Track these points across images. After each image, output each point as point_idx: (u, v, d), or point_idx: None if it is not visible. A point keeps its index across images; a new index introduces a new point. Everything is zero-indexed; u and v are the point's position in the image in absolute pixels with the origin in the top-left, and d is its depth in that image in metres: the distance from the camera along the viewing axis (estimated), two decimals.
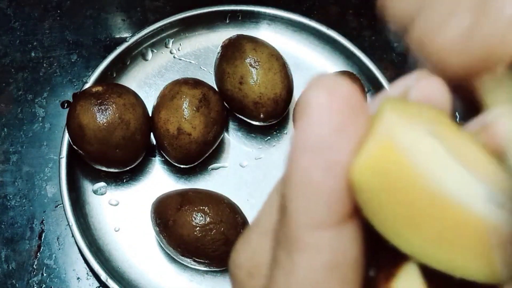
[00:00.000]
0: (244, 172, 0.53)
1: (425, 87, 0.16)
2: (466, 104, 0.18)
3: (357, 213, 0.15)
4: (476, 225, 0.14)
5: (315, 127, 0.14)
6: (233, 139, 0.54)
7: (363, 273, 0.15)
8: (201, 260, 0.46)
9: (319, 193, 0.14)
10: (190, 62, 0.57)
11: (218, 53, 0.53)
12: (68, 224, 0.48)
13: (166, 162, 0.52)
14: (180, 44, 0.58)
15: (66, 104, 0.56)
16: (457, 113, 0.18)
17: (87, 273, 0.50)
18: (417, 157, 0.14)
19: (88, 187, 0.52)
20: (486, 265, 0.14)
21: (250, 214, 0.48)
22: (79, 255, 0.50)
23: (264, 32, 0.57)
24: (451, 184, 0.14)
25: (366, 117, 0.15)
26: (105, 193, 0.52)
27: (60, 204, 0.51)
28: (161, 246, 0.49)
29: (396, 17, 0.20)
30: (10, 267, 0.50)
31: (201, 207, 0.45)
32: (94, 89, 0.48)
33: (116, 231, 0.50)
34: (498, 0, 0.17)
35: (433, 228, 0.14)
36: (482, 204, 0.14)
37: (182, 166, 0.51)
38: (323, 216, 0.14)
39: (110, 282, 0.46)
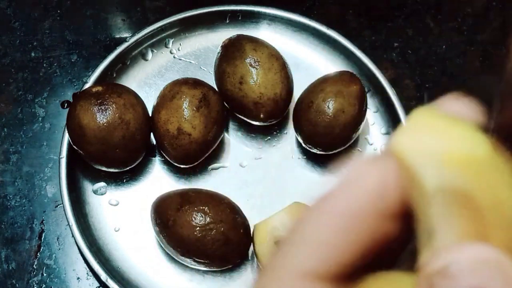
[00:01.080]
0: (244, 172, 0.53)
1: (456, 106, 0.17)
2: None
3: (353, 277, 0.16)
4: None
5: (356, 201, 0.15)
6: (233, 139, 0.54)
7: None
8: (201, 260, 0.46)
9: (327, 248, 0.15)
10: (190, 62, 0.57)
11: (218, 53, 0.53)
12: (68, 224, 0.48)
13: (166, 162, 0.52)
14: (180, 44, 0.58)
15: (66, 104, 0.56)
16: None
17: (87, 273, 0.50)
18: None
19: (88, 187, 0.52)
20: None
21: (250, 214, 0.48)
22: (79, 255, 0.50)
23: (264, 32, 0.57)
24: None
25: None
26: (105, 193, 0.52)
27: (60, 204, 0.51)
28: (161, 246, 0.49)
29: None
30: (10, 267, 0.50)
31: (201, 207, 0.45)
32: (94, 89, 0.48)
33: (116, 231, 0.50)
34: None
35: None
36: None
37: (182, 166, 0.51)
38: (321, 269, 0.15)
39: (110, 282, 0.46)
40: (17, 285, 0.49)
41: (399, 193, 0.15)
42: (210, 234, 0.45)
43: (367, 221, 0.15)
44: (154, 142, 0.52)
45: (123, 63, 0.56)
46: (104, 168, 0.49)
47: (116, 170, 0.50)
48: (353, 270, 0.16)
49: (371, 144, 0.54)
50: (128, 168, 0.50)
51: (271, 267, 0.16)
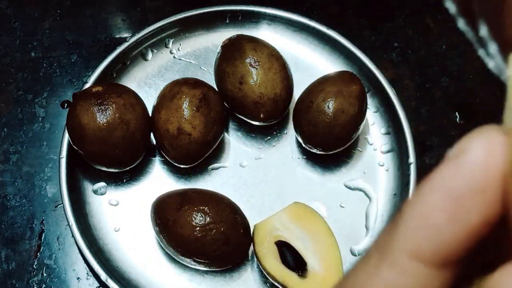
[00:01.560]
0: (244, 172, 0.53)
1: None
2: None
3: (455, 265, 0.15)
4: None
5: (461, 178, 0.15)
6: (233, 139, 0.54)
7: None
8: (201, 260, 0.46)
9: (434, 234, 0.15)
10: (190, 62, 0.57)
11: (218, 53, 0.53)
12: (68, 224, 0.48)
13: (166, 162, 0.52)
14: (180, 44, 0.58)
15: (66, 104, 0.56)
16: None
17: (87, 273, 0.50)
18: None
19: (88, 187, 0.52)
20: None
21: (250, 214, 0.48)
22: (79, 255, 0.50)
23: (264, 32, 0.57)
24: None
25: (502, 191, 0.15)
26: (105, 193, 0.52)
27: (60, 204, 0.51)
28: (161, 246, 0.49)
29: None
30: (10, 267, 0.50)
31: (201, 207, 0.45)
32: (94, 89, 0.48)
33: (116, 231, 0.50)
34: None
35: None
36: None
37: (182, 166, 0.51)
38: (426, 254, 0.15)
39: (110, 282, 0.46)
40: (17, 285, 0.49)
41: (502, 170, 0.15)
42: (210, 234, 0.45)
43: (475, 198, 0.15)
44: (154, 142, 0.52)
45: (123, 63, 0.56)
46: (104, 168, 0.50)
47: (116, 170, 0.50)
48: (461, 257, 0.15)
49: (371, 144, 0.54)
50: (128, 168, 0.50)
51: (377, 246, 0.16)
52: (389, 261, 0.16)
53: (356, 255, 0.50)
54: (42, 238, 0.51)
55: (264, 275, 0.48)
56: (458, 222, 0.15)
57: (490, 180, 0.15)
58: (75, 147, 0.48)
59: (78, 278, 0.50)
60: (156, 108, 0.50)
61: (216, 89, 0.52)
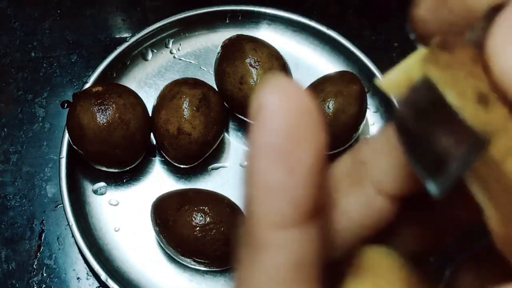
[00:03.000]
0: (244, 172, 0.53)
1: None
2: None
3: (319, 213, 0.15)
4: None
5: (270, 132, 0.14)
6: (233, 139, 0.54)
7: (322, 273, 0.16)
8: (201, 260, 0.46)
9: (281, 194, 0.14)
10: (190, 62, 0.57)
11: (218, 53, 0.53)
12: (68, 224, 0.48)
13: (166, 162, 0.52)
14: (180, 44, 0.58)
15: (66, 104, 0.56)
16: None
17: (87, 273, 0.50)
18: None
19: (88, 187, 0.52)
20: None
21: None
22: (79, 255, 0.50)
23: (264, 32, 0.57)
24: None
25: (318, 121, 0.15)
26: (105, 193, 0.52)
27: (60, 204, 0.51)
28: (161, 246, 0.49)
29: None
30: (10, 267, 0.50)
31: (201, 207, 0.45)
32: (94, 89, 0.48)
33: (116, 231, 0.50)
34: None
35: None
36: None
37: (182, 166, 0.51)
38: (286, 216, 0.14)
39: (110, 282, 0.46)
40: (17, 285, 0.49)
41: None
42: (210, 234, 0.45)
43: (294, 142, 0.14)
44: (154, 142, 0.52)
45: (123, 63, 0.56)
46: (104, 168, 0.50)
47: (116, 170, 0.50)
48: (320, 203, 0.15)
49: None
50: (128, 168, 0.50)
51: (245, 241, 0.16)
52: (260, 248, 0.15)
53: None
54: (42, 238, 0.51)
55: None
56: (294, 171, 0.14)
57: (298, 119, 0.14)
58: (75, 147, 0.48)
59: (78, 278, 0.50)
60: (156, 108, 0.50)
61: (216, 89, 0.52)
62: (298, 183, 0.14)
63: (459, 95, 0.13)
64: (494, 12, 0.14)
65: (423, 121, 0.14)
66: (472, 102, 0.13)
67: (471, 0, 0.16)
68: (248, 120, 0.50)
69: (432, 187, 0.14)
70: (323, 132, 0.15)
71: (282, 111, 0.14)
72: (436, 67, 0.14)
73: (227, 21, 0.58)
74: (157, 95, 0.51)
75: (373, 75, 0.54)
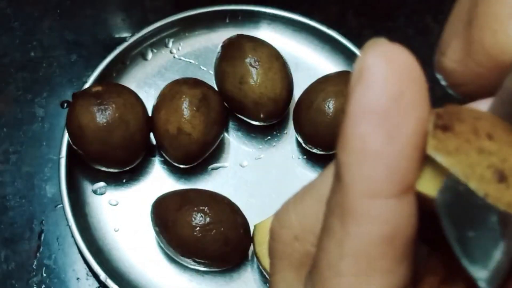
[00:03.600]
0: (244, 172, 0.53)
1: None
2: None
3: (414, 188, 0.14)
4: None
5: (374, 94, 0.14)
6: (233, 139, 0.54)
7: (415, 253, 0.15)
8: (201, 260, 0.46)
9: (379, 161, 0.14)
10: (190, 62, 0.57)
11: (218, 53, 0.52)
12: (68, 224, 0.48)
13: (166, 162, 0.52)
14: (180, 44, 0.58)
15: (65, 104, 0.56)
16: None
17: (86, 273, 0.49)
18: None
19: (88, 187, 0.52)
20: None
21: (250, 214, 0.48)
22: (79, 255, 0.50)
23: (264, 32, 0.57)
24: None
25: (424, 90, 0.14)
26: (105, 193, 0.52)
27: (60, 204, 0.51)
28: (161, 246, 0.49)
29: None
30: (10, 267, 0.49)
31: (201, 207, 0.45)
32: (94, 89, 0.48)
33: (116, 231, 0.50)
34: (482, 6, 0.17)
35: None
36: None
37: (182, 166, 0.51)
38: (382, 185, 0.14)
39: (110, 282, 0.46)
40: (16, 285, 0.49)
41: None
42: (210, 234, 0.45)
43: (397, 109, 0.14)
44: (154, 142, 0.52)
45: (123, 63, 0.56)
46: (104, 168, 0.49)
47: (116, 170, 0.50)
48: (415, 175, 0.14)
49: None
50: (128, 168, 0.50)
51: (332, 213, 0.15)
52: (352, 217, 0.14)
53: None
54: (42, 238, 0.51)
55: (264, 275, 0.48)
56: (395, 139, 0.14)
57: (405, 85, 0.14)
58: (74, 147, 0.48)
59: (77, 278, 0.49)
60: (156, 108, 0.50)
61: (216, 89, 0.52)
62: (398, 152, 0.14)
63: (479, 181, 0.13)
64: None
65: (462, 219, 0.14)
66: (493, 183, 0.13)
67: (495, 51, 0.16)
68: (248, 120, 0.50)
69: (479, 275, 0.13)
70: (427, 103, 0.14)
71: (389, 74, 0.14)
72: (448, 156, 0.14)
73: (227, 21, 0.58)
74: (157, 95, 0.51)
75: None
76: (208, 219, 0.45)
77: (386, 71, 0.14)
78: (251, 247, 0.48)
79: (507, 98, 0.16)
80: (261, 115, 0.50)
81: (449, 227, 0.14)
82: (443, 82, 0.19)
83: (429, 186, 0.14)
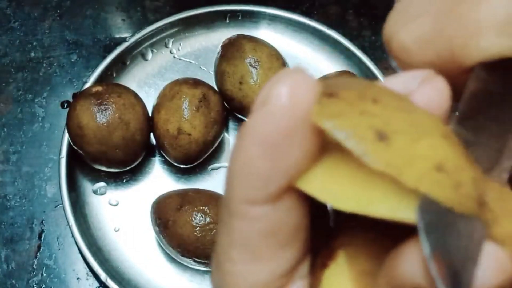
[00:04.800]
0: None
1: (429, 92, 0.17)
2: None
3: (294, 189, 0.16)
4: None
5: (270, 126, 0.15)
6: (233, 139, 0.54)
7: (307, 236, 0.17)
8: (201, 260, 0.46)
9: (259, 178, 0.15)
10: (190, 62, 0.57)
11: (218, 53, 0.53)
12: (68, 224, 0.48)
13: (166, 162, 0.52)
14: (180, 44, 0.58)
15: (66, 104, 0.56)
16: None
17: (87, 273, 0.49)
18: None
19: (88, 187, 0.52)
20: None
21: None
22: (79, 255, 0.50)
23: (264, 32, 0.57)
24: None
25: (313, 129, 0.15)
26: (105, 193, 0.52)
27: (60, 204, 0.51)
28: (161, 246, 0.49)
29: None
30: (10, 267, 0.49)
31: (201, 207, 0.45)
32: (94, 89, 0.48)
33: (116, 231, 0.50)
34: (467, 4, 0.17)
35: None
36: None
37: (182, 166, 0.51)
38: (258, 195, 0.16)
39: (110, 282, 0.46)
40: (17, 285, 0.49)
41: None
42: (210, 234, 0.45)
43: (287, 142, 0.15)
44: (154, 142, 0.52)
45: (123, 63, 0.56)
46: (104, 168, 0.49)
47: (116, 170, 0.50)
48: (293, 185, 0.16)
49: None
50: (128, 168, 0.50)
51: (224, 203, 0.17)
52: (235, 217, 0.16)
53: None
54: (42, 238, 0.51)
55: None
56: (278, 166, 0.15)
57: (298, 122, 0.15)
58: (75, 147, 0.48)
59: (78, 278, 0.50)
60: (156, 108, 0.50)
61: (216, 89, 0.52)
62: (277, 174, 0.15)
63: (359, 141, 0.14)
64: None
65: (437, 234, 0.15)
66: (373, 143, 0.14)
67: (461, 53, 0.17)
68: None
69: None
70: (316, 139, 0.15)
71: (287, 111, 0.15)
72: (330, 119, 0.15)
73: (227, 21, 0.58)
74: (157, 95, 0.51)
75: (373, 75, 0.54)
76: (208, 219, 0.45)
77: (287, 107, 0.15)
78: None
79: (465, 96, 0.17)
80: None
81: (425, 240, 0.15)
82: (392, 63, 0.20)
83: (311, 185, 0.16)
